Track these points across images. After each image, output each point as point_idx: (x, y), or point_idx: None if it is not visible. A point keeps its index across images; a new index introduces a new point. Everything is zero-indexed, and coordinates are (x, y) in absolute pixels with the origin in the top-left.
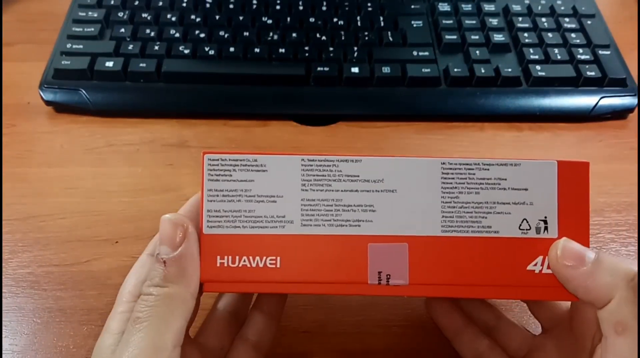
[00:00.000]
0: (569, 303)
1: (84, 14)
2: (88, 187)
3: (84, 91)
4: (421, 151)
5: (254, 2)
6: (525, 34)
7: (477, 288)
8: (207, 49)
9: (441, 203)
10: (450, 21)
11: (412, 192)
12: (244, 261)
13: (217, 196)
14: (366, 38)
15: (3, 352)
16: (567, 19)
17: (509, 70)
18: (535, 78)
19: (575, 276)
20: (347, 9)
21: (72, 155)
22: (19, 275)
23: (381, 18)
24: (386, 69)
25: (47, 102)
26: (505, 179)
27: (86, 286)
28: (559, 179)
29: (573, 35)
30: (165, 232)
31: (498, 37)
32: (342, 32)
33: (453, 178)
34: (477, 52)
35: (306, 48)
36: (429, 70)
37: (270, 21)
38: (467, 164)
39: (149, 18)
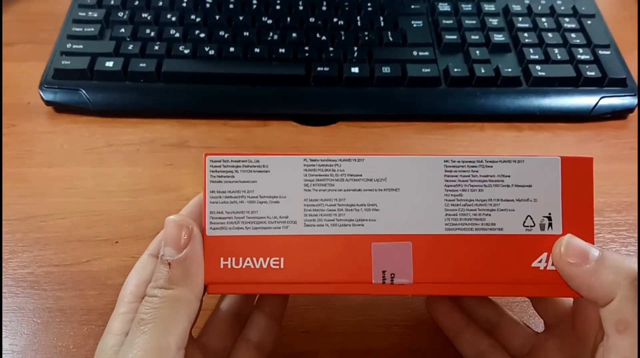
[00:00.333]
0: (572, 300)
1: (84, 14)
2: (88, 187)
3: (84, 91)
4: (421, 151)
5: (254, 2)
6: (525, 34)
7: (481, 286)
8: (207, 49)
9: (444, 201)
10: (450, 21)
11: (415, 190)
12: (248, 262)
13: (220, 197)
14: (366, 38)
15: (3, 352)
16: (567, 19)
17: (509, 70)
18: (535, 78)
19: (579, 273)
20: (347, 9)
21: (72, 155)
22: (19, 275)
23: (381, 18)
24: (386, 69)
25: (47, 102)
26: (509, 176)
27: (86, 286)
28: (563, 175)
29: (573, 35)
30: (170, 233)
31: (498, 37)
32: (342, 32)
33: (456, 176)
34: (477, 52)
35: (306, 48)
36: (429, 70)
37: (270, 21)
38: (471, 161)
39: (149, 18)
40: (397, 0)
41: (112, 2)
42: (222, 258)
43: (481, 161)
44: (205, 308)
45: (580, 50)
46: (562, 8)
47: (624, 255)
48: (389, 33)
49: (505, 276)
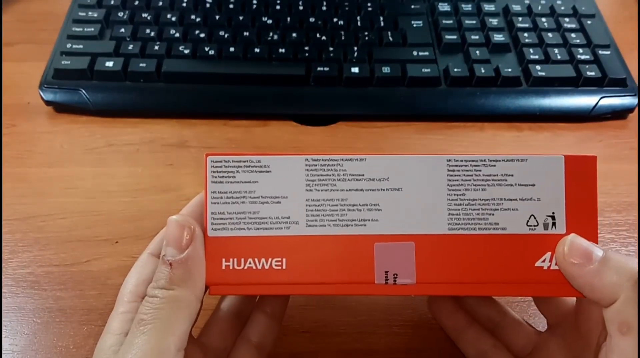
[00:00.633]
0: (575, 299)
1: (84, 14)
2: (88, 187)
3: (84, 91)
4: (421, 151)
5: (254, 2)
6: (525, 34)
7: (485, 286)
8: (207, 49)
9: (447, 200)
10: (450, 21)
11: (418, 190)
12: (250, 263)
13: (221, 198)
14: (366, 38)
15: (3, 352)
16: (567, 19)
17: (509, 70)
18: (535, 78)
19: (582, 274)
20: (347, 9)
21: (72, 155)
22: (19, 275)
23: (381, 18)
24: (386, 69)
25: (47, 102)
26: (512, 175)
27: (86, 286)
28: (566, 174)
29: (573, 35)
30: (172, 234)
31: (498, 37)
32: (342, 32)
33: (459, 175)
34: (477, 52)
35: (306, 48)
36: (429, 70)
37: (270, 21)
38: (473, 160)
39: (149, 18)
40: (397, 0)
41: (112, 2)
42: (223, 259)
43: (484, 160)
44: (205, 307)
45: (580, 50)
46: (562, 8)
47: (628, 256)
48: (389, 33)
49: (508, 276)
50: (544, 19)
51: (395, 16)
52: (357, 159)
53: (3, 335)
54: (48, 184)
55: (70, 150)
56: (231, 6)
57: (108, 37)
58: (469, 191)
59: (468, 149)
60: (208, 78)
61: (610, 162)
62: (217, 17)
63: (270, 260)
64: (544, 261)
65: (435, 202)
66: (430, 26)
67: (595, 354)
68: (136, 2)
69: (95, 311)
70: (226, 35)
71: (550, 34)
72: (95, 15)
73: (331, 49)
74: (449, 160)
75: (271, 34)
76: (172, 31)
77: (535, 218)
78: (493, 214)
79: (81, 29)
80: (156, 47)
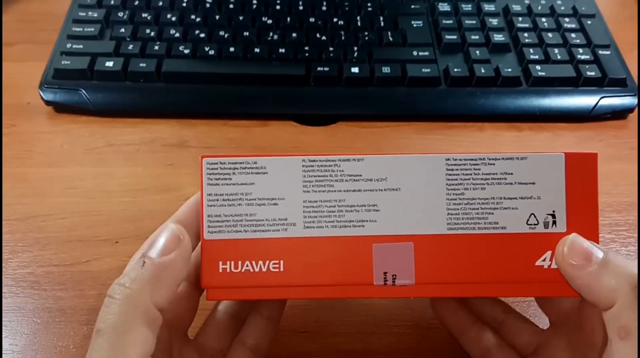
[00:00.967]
0: (573, 300)
1: (84, 14)
2: (88, 187)
3: (84, 91)
4: (421, 151)
5: (254, 2)
6: (525, 34)
7: (485, 286)
8: (207, 49)
9: (446, 200)
10: (450, 21)
11: (417, 190)
12: (247, 266)
13: (217, 200)
14: (366, 38)
15: (3, 352)
16: (567, 19)
17: (509, 70)
18: (535, 78)
19: (580, 275)
20: (347, 9)
21: (72, 155)
22: (19, 275)
23: (381, 18)
24: (386, 69)
25: (47, 102)
26: (512, 174)
27: (86, 286)
28: (567, 172)
29: (573, 35)
30: (159, 236)
31: (498, 37)
32: (342, 32)
33: (458, 174)
34: (477, 52)
35: (306, 48)
36: (429, 70)
37: (270, 21)
38: (472, 159)
39: (149, 18)
40: (397, 0)
41: (112, 2)
42: (220, 262)
43: (483, 159)
44: (203, 308)
45: (580, 50)
46: (562, 8)
47: (628, 259)
48: (389, 33)
49: (508, 275)
50: (544, 19)
51: (395, 16)
52: (354, 160)
53: (3, 335)
54: (48, 184)
55: (70, 150)
56: (231, 6)
57: (108, 37)
58: (468, 190)
59: (468, 149)
60: (208, 78)
61: (610, 162)
62: (217, 17)
63: (267, 262)
64: (544, 260)
65: (434, 202)
66: (430, 26)
67: (599, 354)
68: (136, 2)
69: (95, 311)
70: (226, 35)
71: (550, 34)
72: (95, 15)
73: (331, 49)
74: (448, 159)
75: (271, 34)
76: (172, 31)
77: (535, 216)
78: (493, 214)
79: (81, 29)
80: (156, 47)
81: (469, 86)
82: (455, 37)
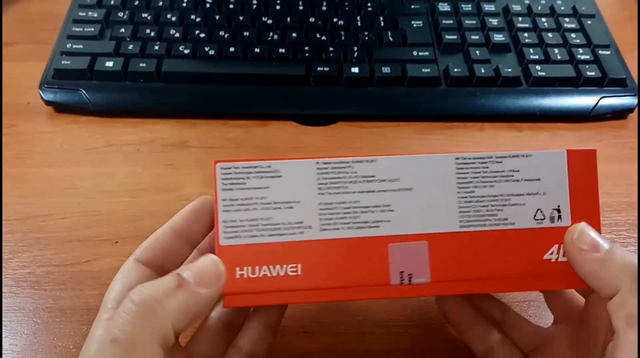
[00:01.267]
0: (579, 299)
1: (84, 14)
2: (88, 187)
3: (84, 91)
4: (422, 151)
5: (254, 2)
6: (525, 34)
7: (496, 282)
8: (207, 49)
9: (457, 198)
10: (450, 21)
11: (429, 189)
12: (265, 271)
13: (232, 205)
14: (366, 38)
15: (3, 352)
16: (567, 19)
17: (509, 70)
18: (535, 78)
19: (587, 259)
20: (347, 9)
21: (72, 155)
22: (19, 275)
23: (381, 18)
24: (386, 69)
25: (47, 102)
26: (518, 171)
27: (86, 286)
28: (569, 168)
29: (573, 35)
30: (203, 265)
31: (498, 37)
32: (342, 32)
33: (467, 173)
34: (477, 52)
35: (306, 48)
36: (429, 70)
37: (270, 21)
38: (481, 158)
39: (149, 18)
40: (397, 0)
41: (112, 2)
42: (237, 268)
43: (491, 157)
44: None
45: (580, 50)
46: (562, 8)
47: (633, 253)
48: (389, 33)
49: (519, 270)
50: (544, 19)
51: (395, 16)
52: (367, 161)
53: (3, 335)
54: (48, 184)
55: (70, 150)
56: (231, 6)
57: (108, 37)
58: (478, 188)
59: (468, 149)
60: (208, 78)
61: (610, 162)
62: (217, 17)
63: (285, 266)
64: (552, 253)
65: (446, 200)
66: (430, 26)
67: (602, 351)
68: (136, 2)
69: (95, 311)
70: (226, 35)
71: (550, 34)
72: (95, 15)
73: (331, 49)
74: (457, 158)
75: (271, 34)
76: (172, 31)
77: (542, 211)
78: (502, 210)
79: (81, 29)
80: (156, 47)
81: (469, 86)
82: (455, 37)
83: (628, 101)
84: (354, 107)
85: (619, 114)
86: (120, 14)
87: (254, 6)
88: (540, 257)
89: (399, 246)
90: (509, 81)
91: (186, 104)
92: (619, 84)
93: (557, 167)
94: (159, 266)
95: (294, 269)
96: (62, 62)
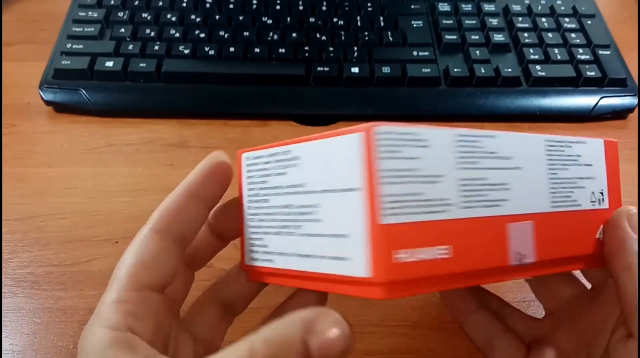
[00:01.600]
0: (572, 288)
1: (84, 14)
2: (88, 187)
3: (84, 91)
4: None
5: (254, 2)
6: (525, 34)
7: (576, 261)
8: (207, 49)
9: (548, 179)
10: (450, 21)
11: (532, 169)
12: (421, 253)
13: (391, 177)
14: (366, 38)
15: (3, 352)
16: (567, 19)
17: (509, 70)
18: (535, 78)
19: (625, 228)
20: (347, 9)
21: (72, 155)
22: (19, 275)
23: (381, 18)
24: (386, 69)
25: (47, 102)
26: (580, 156)
27: (86, 286)
28: (605, 155)
29: (573, 35)
30: (337, 345)
31: (498, 37)
32: (342, 32)
33: (552, 155)
34: (477, 52)
35: (306, 48)
36: (429, 70)
37: (270, 21)
38: (560, 141)
39: (149, 18)
40: (397, 0)
41: (112, 2)
42: (393, 252)
43: (564, 141)
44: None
45: (580, 50)
46: (562, 8)
47: None
48: (389, 33)
49: (584, 249)
50: (544, 19)
51: (395, 16)
52: (489, 136)
53: (3, 335)
54: (48, 184)
55: (70, 150)
56: (231, 6)
57: (108, 37)
58: (560, 170)
59: None
60: (208, 78)
61: None
62: (217, 17)
63: (435, 248)
64: (600, 234)
65: (542, 181)
66: (430, 26)
67: (606, 341)
68: (136, 2)
69: None
70: (226, 35)
71: (550, 34)
72: (95, 15)
73: (331, 49)
74: (547, 140)
75: (271, 34)
76: (172, 31)
77: (594, 194)
78: (573, 192)
79: (81, 29)
80: (156, 47)
81: (469, 86)
82: (455, 37)
83: (628, 101)
84: (354, 107)
85: (619, 114)
86: (120, 14)
87: (254, 6)
88: (594, 236)
89: (516, 226)
90: (509, 81)
91: (186, 104)
92: (619, 84)
93: (598, 154)
94: (178, 236)
95: (445, 251)
96: (62, 62)
